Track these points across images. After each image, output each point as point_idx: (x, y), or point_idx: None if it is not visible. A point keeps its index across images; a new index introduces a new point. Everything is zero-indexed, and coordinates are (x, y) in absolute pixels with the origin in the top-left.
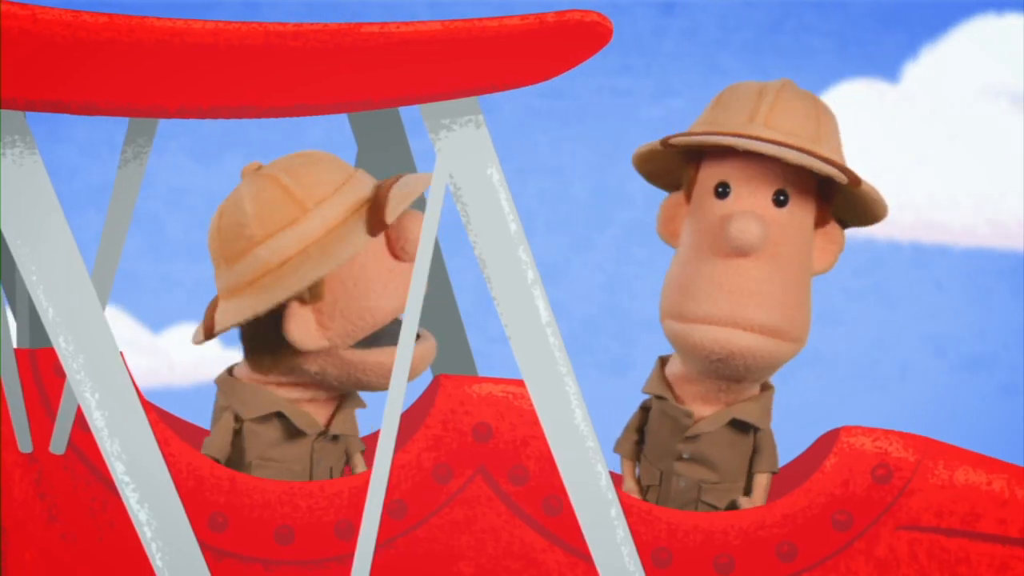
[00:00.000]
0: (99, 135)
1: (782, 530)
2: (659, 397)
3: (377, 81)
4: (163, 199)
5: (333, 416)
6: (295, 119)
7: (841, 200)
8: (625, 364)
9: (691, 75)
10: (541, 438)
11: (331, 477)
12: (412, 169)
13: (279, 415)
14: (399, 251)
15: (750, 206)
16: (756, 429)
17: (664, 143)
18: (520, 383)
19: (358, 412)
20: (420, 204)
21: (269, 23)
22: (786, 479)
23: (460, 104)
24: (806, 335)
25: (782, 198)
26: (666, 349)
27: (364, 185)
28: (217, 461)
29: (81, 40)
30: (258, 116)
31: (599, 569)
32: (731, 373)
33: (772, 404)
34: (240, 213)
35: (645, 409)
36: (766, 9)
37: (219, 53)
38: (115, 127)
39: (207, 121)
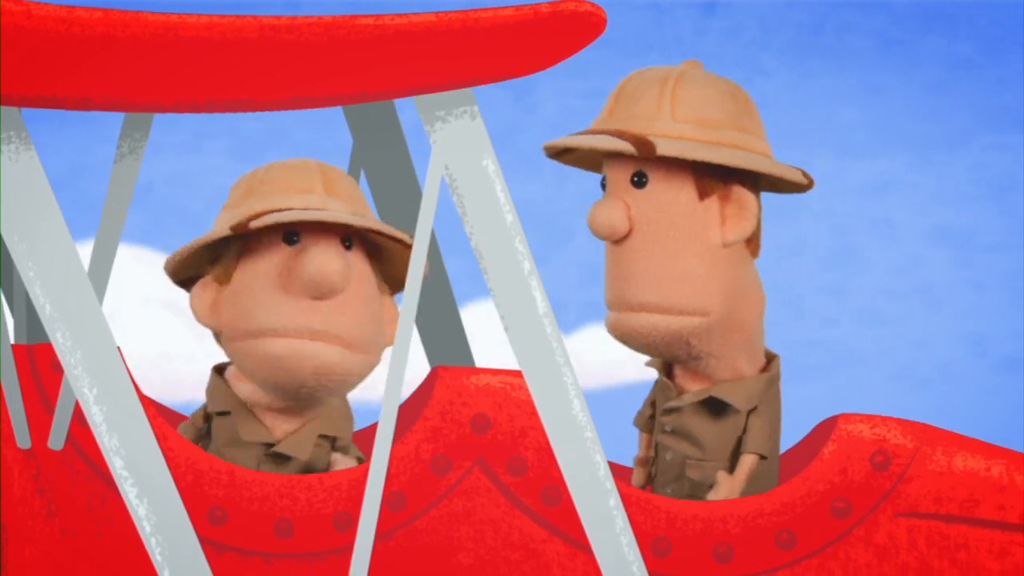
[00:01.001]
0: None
1: (781, 518)
2: (659, 374)
3: (372, 73)
4: (205, 199)
5: (293, 433)
6: (330, 113)
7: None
8: None
9: (732, 75)
10: (539, 429)
11: None
12: (407, 161)
13: (231, 415)
14: (286, 279)
15: (614, 192)
16: (752, 410)
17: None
18: (518, 374)
19: (356, 403)
20: (417, 200)
21: (263, 16)
22: (785, 467)
23: (455, 96)
24: (711, 305)
25: (637, 179)
26: None
27: (313, 201)
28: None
29: (76, 35)
30: (253, 110)
31: (599, 559)
32: (649, 351)
33: (769, 387)
34: (243, 177)
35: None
36: (808, 9)
37: (214, 47)
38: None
39: (248, 121)
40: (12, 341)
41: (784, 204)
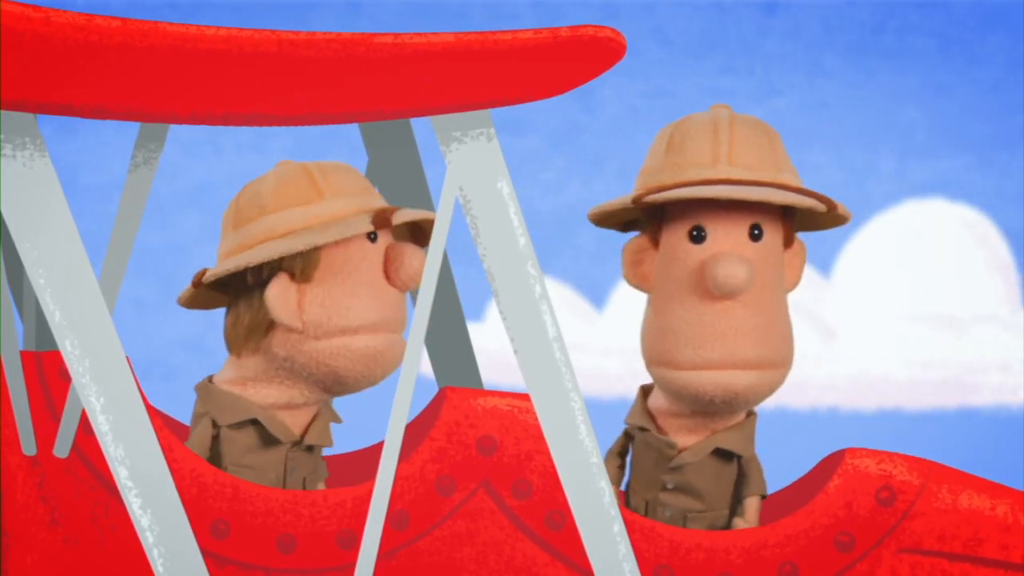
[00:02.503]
0: (202, 135)
1: (784, 550)
2: (642, 428)
3: (389, 92)
4: None
5: (309, 426)
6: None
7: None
8: None
9: (794, 76)
10: (545, 453)
11: (304, 488)
12: (422, 180)
13: (255, 423)
14: (392, 272)
15: (728, 247)
16: (740, 456)
17: (637, 201)
18: (525, 397)
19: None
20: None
21: (282, 31)
22: (790, 499)
23: (472, 117)
24: (792, 355)
25: (757, 232)
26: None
27: (381, 202)
28: None
29: (93, 44)
30: (269, 124)
31: None
32: (730, 410)
33: (755, 430)
34: (261, 186)
35: (628, 435)
36: (869, 9)
37: (232, 60)
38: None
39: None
40: (21, 347)
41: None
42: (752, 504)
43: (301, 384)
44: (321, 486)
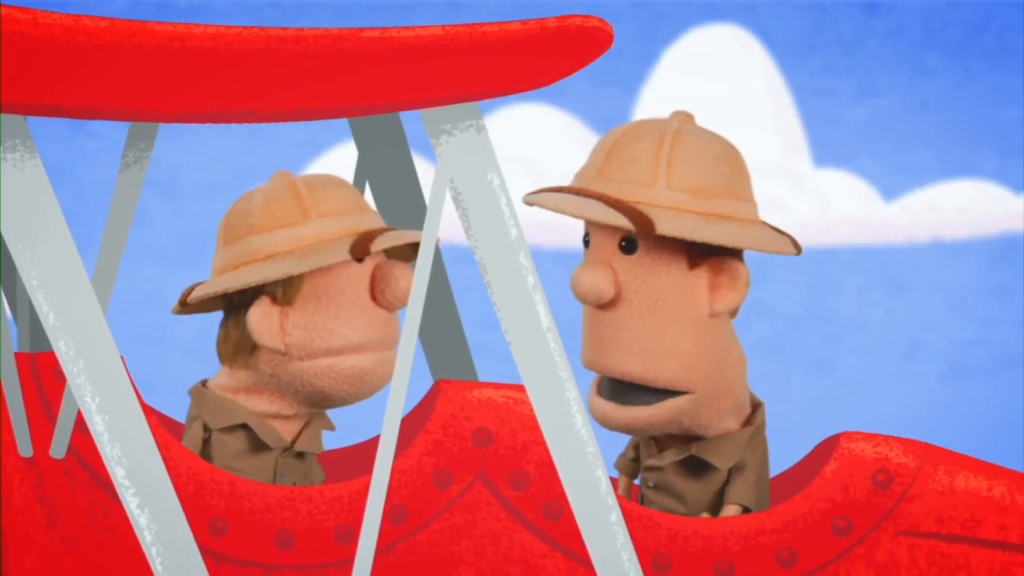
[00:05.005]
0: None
1: (782, 536)
2: None
3: (378, 86)
4: None
5: (300, 433)
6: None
7: None
8: (829, 363)
9: (896, 75)
10: (541, 443)
11: None
12: (412, 174)
13: (246, 428)
14: (378, 294)
15: (599, 254)
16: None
17: (526, 200)
18: (521, 388)
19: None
20: (421, 212)
21: (270, 27)
22: (787, 485)
23: (461, 109)
24: (698, 381)
25: (625, 244)
26: None
27: (370, 221)
28: None
29: (82, 44)
30: (259, 121)
31: (599, 574)
32: (634, 431)
33: (752, 439)
34: (250, 203)
35: None
36: (971, 9)
37: (220, 58)
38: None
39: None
40: (15, 349)
41: (955, 204)
42: (727, 513)
43: (289, 398)
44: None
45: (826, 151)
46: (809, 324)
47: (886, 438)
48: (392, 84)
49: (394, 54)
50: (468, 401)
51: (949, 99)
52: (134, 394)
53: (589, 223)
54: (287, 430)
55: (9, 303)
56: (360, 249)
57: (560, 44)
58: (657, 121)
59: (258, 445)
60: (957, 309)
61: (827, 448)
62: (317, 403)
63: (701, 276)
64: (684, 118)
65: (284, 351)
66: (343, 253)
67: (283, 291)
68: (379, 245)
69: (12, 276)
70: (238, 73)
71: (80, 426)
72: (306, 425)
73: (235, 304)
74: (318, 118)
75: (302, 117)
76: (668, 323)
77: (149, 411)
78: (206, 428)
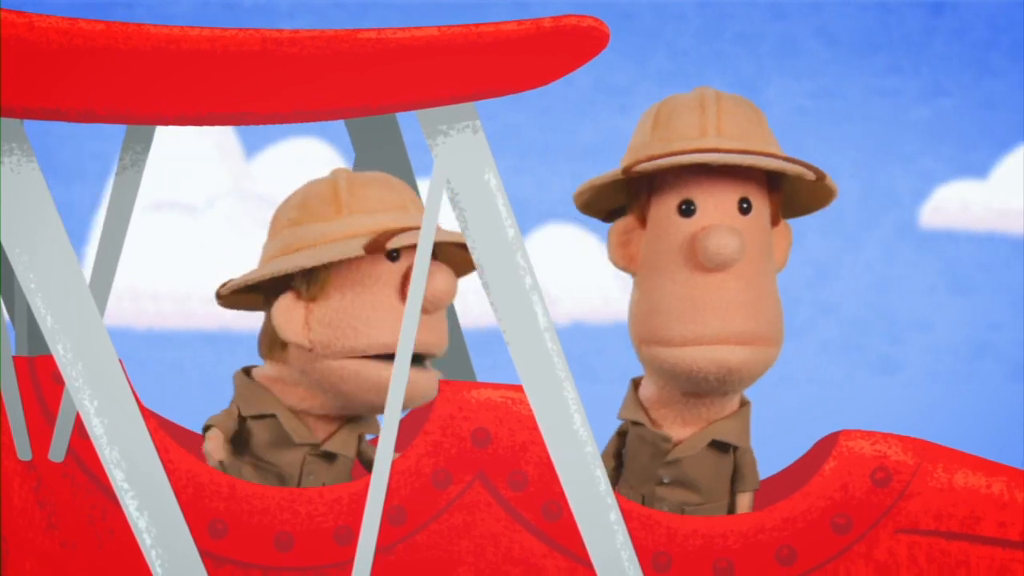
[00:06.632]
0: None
1: (781, 534)
2: (635, 423)
3: (374, 87)
4: None
5: (333, 434)
6: None
7: (786, 193)
8: (895, 363)
9: (961, 75)
10: (540, 443)
11: None
12: (409, 175)
13: (275, 418)
14: (399, 295)
15: (719, 219)
16: (736, 448)
17: (627, 171)
18: (519, 388)
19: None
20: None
21: (266, 29)
22: (785, 483)
23: (457, 110)
24: (783, 334)
25: (746, 205)
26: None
27: (407, 220)
28: (223, 433)
29: (78, 47)
30: (256, 123)
31: (599, 574)
32: (724, 389)
33: (750, 420)
34: (294, 197)
35: (622, 434)
36: None
37: (216, 60)
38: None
39: None
40: (13, 352)
41: (1021, 204)
42: (743, 501)
43: (320, 397)
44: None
45: (893, 151)
46: (875, 324)
47: (884, 436)
48: (388, 85)
49: (390, 55)
50: (466, 401)
51: (1014, 98)
52: (133, 397)
53: (691, 187)
54: (321, 428)
55: (7, 307)
56: (375, 245)
57: (556, 44)
58: (700, 90)
59: (285, 439)
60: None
61: (826, 446)
62: (344, 406)
63: (775, 232)
64: (706, 87)
65: (309, 347)
66: (357, 248)
67: (307, 286)
68: (397, 242)
69: (10, 280)
70: (234, 75)
71: (79, 429)
72: (342, 426)
73: (270, 298)
74: (315, 119)
75: (299, 119)
76: (773, 280)
77: (148, 414)
78: (240, 414)
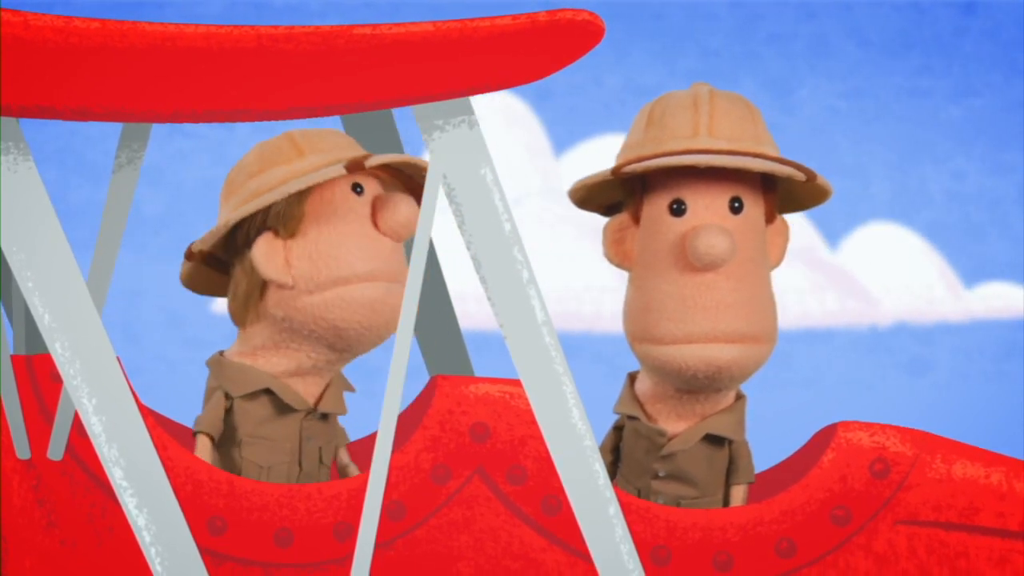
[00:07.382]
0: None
1: (780, 526)
2: (631, 417)
3: (370, 83)
4: None
5: (322, 395)
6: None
7: (783, 190)
8: (924, 365)
9: (992, 76)
10: (538, 438)
11: (320, 459)
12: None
13: (268, 392)
14: (380, 222)
15: (709, 219)
16: (731, 441)
17: (616, 172)
18: (517, 383)
19: (349, 418)
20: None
21: (261, 26)
22: (784, 475)
23: (453, 104)
24: (776, 332)
25: (737, 205)
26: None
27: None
28: (211, 437)
29: (74, 46)
30: (252, 119)
31: (598, 568)
32: (715, 386)
33: (745, 414)
34: (248, 157)
35: (618, 429)
36: None
37: (212, 57)
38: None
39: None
40: (11, 351)
41: None
42: (738, 494)
43: (306, 347)
44: (343, 452)
45: (924, 151)
46: (904, 324)
47: (883, 427)
48: (384, 81)
49: (385, 51)
50: (465, 396)
51: None
52: (131, 395)
53: (682, 186)
54: (309, 392)
55: (5, 306)
56: (355, 164)
57: (551, 38)
58: (695, 87)
59: (282, 409)
60: None
61: (824, 438)
62: (333, 343)
63: (770, 230)
64: (703, 85)
65: (291, 284)
66: (338, 170)
67: (284, 224)
68: (374, 161)
69: (7, 279)
70: (230, 72)
71: (77, 427)
72: (328, 386)
73: (240, 250)
74: (311, 116)
75: (295, 115)
76: (764, 278)
77: (146, 412)
78: (228, 397)
